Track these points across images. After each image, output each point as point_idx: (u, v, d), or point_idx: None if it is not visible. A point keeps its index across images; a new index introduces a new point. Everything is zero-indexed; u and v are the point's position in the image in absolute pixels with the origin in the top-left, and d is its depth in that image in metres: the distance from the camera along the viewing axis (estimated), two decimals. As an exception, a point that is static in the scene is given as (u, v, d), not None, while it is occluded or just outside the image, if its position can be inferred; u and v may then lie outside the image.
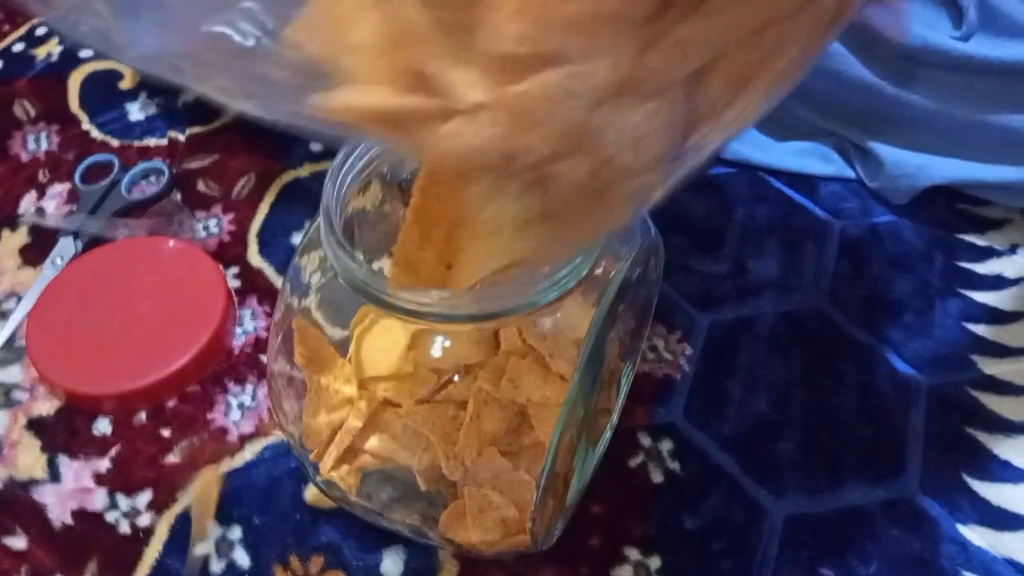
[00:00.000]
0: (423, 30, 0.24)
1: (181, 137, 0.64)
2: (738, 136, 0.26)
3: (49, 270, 0.56)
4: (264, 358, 0.52)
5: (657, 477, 0.47)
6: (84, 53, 0.71)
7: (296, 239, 0.58)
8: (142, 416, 0.50)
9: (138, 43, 0.62)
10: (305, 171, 0.62)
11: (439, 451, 0.39)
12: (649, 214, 0.43)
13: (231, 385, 0.51)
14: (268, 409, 0.50)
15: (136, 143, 0.64)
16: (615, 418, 0.48)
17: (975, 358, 0.52)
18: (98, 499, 0.47)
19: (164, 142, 0.64)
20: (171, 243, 0.56)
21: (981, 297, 0.54)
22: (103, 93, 0.68)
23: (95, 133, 0.65)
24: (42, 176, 0.62)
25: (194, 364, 0.51)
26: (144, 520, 0.46)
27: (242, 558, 0.45)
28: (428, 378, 0.40)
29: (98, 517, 0.46)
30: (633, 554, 0.45)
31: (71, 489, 0.48)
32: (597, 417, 0.46)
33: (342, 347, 0.41)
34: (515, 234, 0.28)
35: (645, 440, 0.49)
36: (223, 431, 0.49)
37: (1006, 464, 0.48)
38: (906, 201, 0.58)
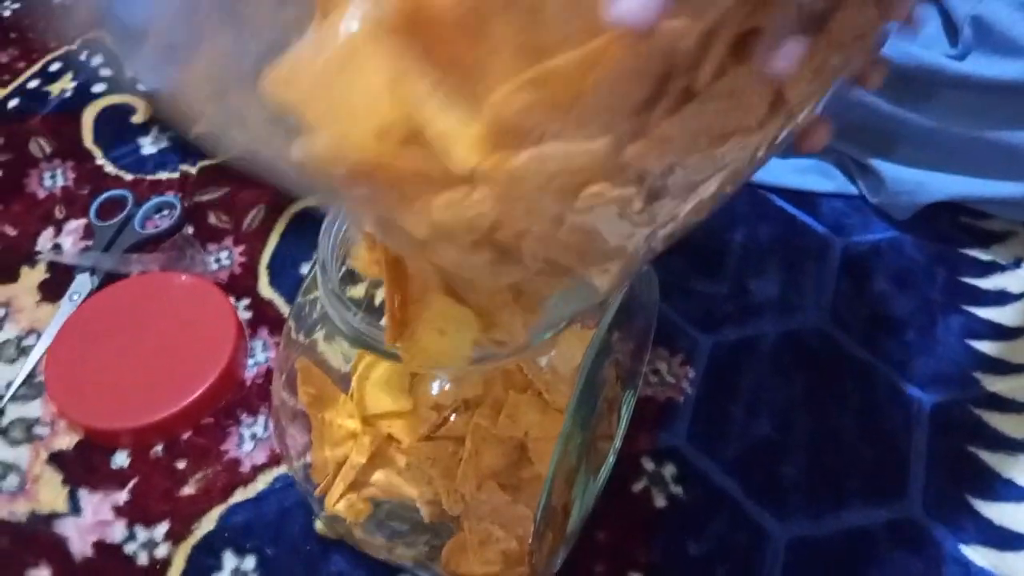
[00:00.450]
0: (426, 91, 0.24)
1: (192, 170, 0.66)
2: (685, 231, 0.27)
3: (66, 306, 0.58)
4: (275, 389, 0.53)
5: (660, 502, 0.48)
6: (97, 88, 0.72)
7: (305, 269, 0.59)
8: (158, 449, 0.52)
9: (141, 78, 0.63)
10: (314, 202, 0.63)
11: (440, 486, 0.40)
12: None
13: (243, 416, 0.52)
14: (279, 440, 0.51)
15: (149, 177, 0.66)
16: (617, 443, 0.48)
17: (978, 375, 0.52)
18: (117, 531, 0.49)
19: (176, 175, 0.65)
20: (183, 278, 0.57)
21: (984, 313, 0.54)
22: (116, 127, 0.69)
23: (109, 168, 0.66)
24: (58, 212, 0.64)
25: (207, 397, 0.52)
26: (162, 551, 0.48)
27: (255, 588, 0.46)
28: (428, 415, 0.41)
29: (117, 549, 0.48)
30: (637, 580, 0.45)
31: (91, 522, 0.49)
32: (598, 445, 0.46)
33: (345, 382, 0.42)
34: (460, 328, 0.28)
35: (648, 465, 0.49)
36: (236, 462, 0.51)
37: (1009, 483, 0.48)
38: (908, 217, 0.58)
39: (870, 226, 0.59)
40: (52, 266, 0.61)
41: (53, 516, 0.49)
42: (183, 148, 0.67)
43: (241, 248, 0.60)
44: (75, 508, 0.50)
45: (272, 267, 0.60)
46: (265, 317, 0.57)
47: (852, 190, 0.60)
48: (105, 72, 0.74)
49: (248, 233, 0.61)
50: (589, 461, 0.45)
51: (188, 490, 0.50)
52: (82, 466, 0.51)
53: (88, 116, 0.70)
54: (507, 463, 0.40)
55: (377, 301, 0.52)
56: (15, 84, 0.73)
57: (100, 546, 0.48)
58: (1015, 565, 0.45)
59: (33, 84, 0.73)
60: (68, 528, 0.49)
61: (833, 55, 0.25)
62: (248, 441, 0.51)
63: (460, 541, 0.40)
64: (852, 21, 0.25)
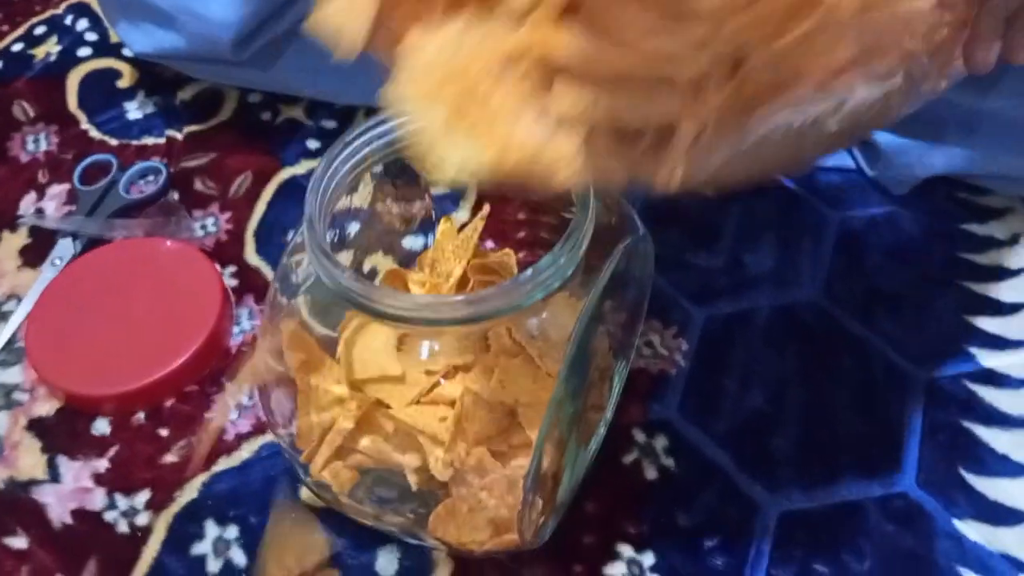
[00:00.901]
0: None
1: (179, 136, 0.64)
2: None
3: (48, 271, 0.56)
4: (261, 357, 0.52)
5: (651, 474, 0.47)
6: (83, 52, 0.71)
7: (293, 237, 0.58)
8: (141, 416, 0.51)
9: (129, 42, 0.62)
10: (302, 168, 0.62)
11: (428, 451, 0.39)
12: (643, 206, 0.43)
13: (228, 384, 0.51)
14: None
15: (134, 142, 0.64)
16: (609, 415, 0.48)
17: (974, 351, 0.51)
18: (97, 499, 0.48)
19: (162, 141, 0.64)
20: (168, 243, 0.56)
21: (981, 289, 0.54)
22: (101, 92, 0.68)
23: (93, 133, 0.65)
24: (41, 177, 0.63)
25: (192, 364, 0.51)
26: (142, 519, 0.47)
27: (239, 557, 0.45)
28: (417, 380, 0.40)
29: (97, 517, 0.47)
30: (626, 551, 0.45)
31: (71, 489, 0.48)
32: (589, 414, 0.46)
33: (331, 346, 0.41)
34: None
35: (640, 437, 0.49)
36: (220, 430, 0.50)
37: (1004, 458, 0.47)
38: (906, 191, 0.57)
39: (867, 201, 0.58)
40: (34, 231, 0.60)
41: (32, 483, 0.48)
42: (169, 113, 0.66)
43: (227, 215, 0.59)
44: (54, 475, 0.49)
45: (259, 234, 0.58)
46: (251, 285, 0.56)
47: (849, 163, 0.59)
48: (91, 37, 0.72)
49: (235, 200, 0.60)
50: (580, 431, 0.44)
51: (170, 458, 0.49)
52: (62, 433, 0.50)
53: (73, 80, 0.69)
54: (497, 429, 0.39)
55: (366, 268, 0.51)
56: (-2, 47, 0.72)
57: (79, 514, 0.47)
58: (1007, 539, 0.44)
59: (17, 47, 0.72)
60: (47, 495, 0.48)
61: None
62: (232, 409, 0.50)
63: (448, 508, 0.39)
64: None
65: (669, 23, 0.24)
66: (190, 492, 0.48)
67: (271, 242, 0.58)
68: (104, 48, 0.71)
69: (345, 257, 0.48)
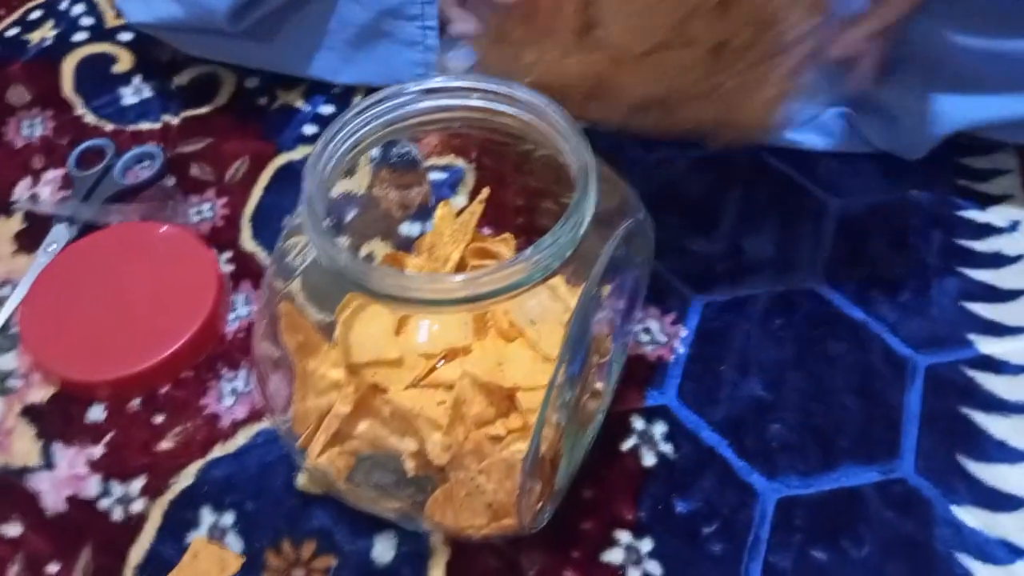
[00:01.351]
0: None
1: (175, 121, 0.64)
2: None
3: (43, 257, 0.56)
4: (257, 343, 0.52)
5: (649, 460, 0.47)
6: (78, 37, 0.70)
7: (289, 223, 0.57)
8: (136, 403, 0.50)
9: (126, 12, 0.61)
10: (299, 154, 0.61)
11: (426, 435, 0.39)
12: (642, 191, 0.42)
13: (224, 370, 0.51)
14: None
15: (130, 127, 0.64)
16: (607, 401, 0.47)
17: (972, 337, 0.51)
18: (92, 486, 0.47)
19: (158, 126, 0.64)
20: (164, 228, 0.56)
21: (980, 275, 0.54)
22: (97, 77, 0.67)
23: (89, 118, 0.65)
24: (36, 162, 0.62)
25: (187, 350, 0.51)
26: (137, 506, 0.46)
27: (235, 544, 0.45)
28: (415, 363, 0.40)
29: (92, 504, 0.47)
30: (624, 537, 0.44)
31: (65, 476, 0.48)
32: (587, 400, 0.45)
33: (326, 331, 0.41)
34: None
35: (638, 423, 0.48)
36: (216, 417, 0.49)
37: (1002, 444, 0.47)
38: (923, 155, 0.55)
39: (867, 188, 0.58)
40: (29, 216, 0.59)
41: (26, 470, 0.48)
42: (165, 98, 0.65)
43: (224, 200, 0.59)
44: (48, 462, 0.48)
45: (255, 220, 0.58)
46: (248, 270, 0.56)
47: (853, 147, 0.58)
48: (86, 21, 0.71)
49: (231, 185, 0.60)
50: (578, 417, 0.44)
51: (166, 444, 0.49)
52: (57, 419, 0.50)
53: (68, 65, 0.68)
54: (496, 413, 0.39)
55: (363, 254, 0.51)
56: (-8, 32, 0.71)
57: (74, 501, 0.47)
58: (1006, 525, 0.44)
59: (12, 32, 0.71)
60: (41, 482, 0.48)
61: None
62: (228, 396, 0.50)
63: (445, 492, 0.39)
64: None
65: None
66: (186, 479, 0.47)
67: (267, 228, 0.58)
68: (100, 33, 0.71)
69: (342, 243, 0.47)
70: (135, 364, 0.50)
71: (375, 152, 0.49)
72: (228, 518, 0.46)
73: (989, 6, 0.49)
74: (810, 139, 0.59)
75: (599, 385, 0.47)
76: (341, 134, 0.38)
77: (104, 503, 0.47)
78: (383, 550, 0.44)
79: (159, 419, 0.50)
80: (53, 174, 0.61)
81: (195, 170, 0.61)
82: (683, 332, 0.52)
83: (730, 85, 0.49)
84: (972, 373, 0.49)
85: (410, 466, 0.40)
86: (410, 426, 0.39)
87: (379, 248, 0.51)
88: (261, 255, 0.56)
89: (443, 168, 0.58)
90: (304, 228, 0.36)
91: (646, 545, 0.44)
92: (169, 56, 0.68)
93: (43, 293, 0.53)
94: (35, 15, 0.72)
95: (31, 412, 0.50)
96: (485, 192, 0.47)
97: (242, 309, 0.54)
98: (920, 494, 0.45)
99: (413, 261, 0.47)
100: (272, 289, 0.41)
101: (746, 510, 0.45)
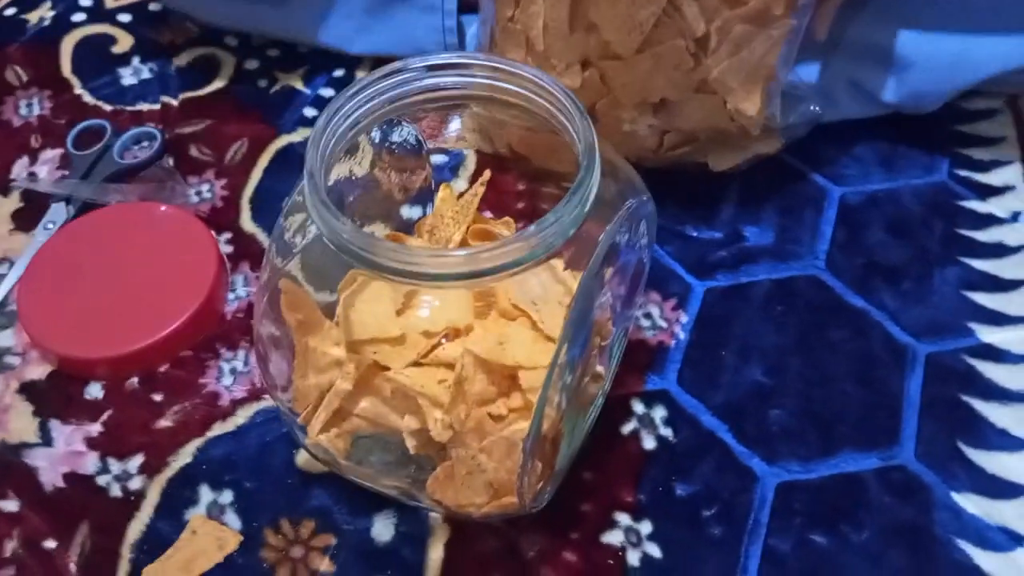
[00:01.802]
0: None
1: (174, 102, 0.64)
2: None
3: (41, 235, 0.56)
4: (256, 324, 0.52)
5: (649, 444, 0.47)
6: (77, 17, 0.70)
7: (289, 205, 0.57)
8: (134, 381, 0.50)
9: None
10: (299, 136, 0.61)
11: (427, 413, 0.38)
12: (643, 178, 0.42)
13: (223, 350, 0.51)
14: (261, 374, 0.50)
15: (129, 108, 0.64)
16: (607, 385, 0.47)
17: (973, 326, 0.51)
18: (90, 463, 0.47)
19: (157, 107, 0.63)
20: (163, 208, 0.56)
21: (981, 265, 0.54)
22: (96, 58, 0.67)
23: (87, 98, 0.64)
24: (34, 141, 0.62)
25: (186, 329, 0.51)
26: (135, 484, 0.46)
27: (233, 522, 0.45)
28: (417, 341, 0.40)
29: (89, 480, 0.46)
30: (624, 520, 0.44)
31: (63, 453, 0.47)
32: (588, 383, 0.45)
33: (326, 310, 0.41)
34: None
35: (638, 407, 0.48)
36: (215, 396, 0.49)
37: (1003, 432, 0.47)
38: (939, 106, 0.53)
39: (868, 176, 0.58)
40: (27, 195, 0.59)
41: (23, 446, 0.48)
42: (165, 79, 0.65)
43: (223, 181, 0.59)
44: (46, 439, 0.48)
45: (255, 201, 0.58)
46: (247, 251, 0.55)
47: (851, 112, 0.57)
48: (85, 2, 0.71)
49: (231, 166, 0.59)
50: (579, 399, 0.44)
51: (164, 423, 0.48)
52: (54, 397, 0.50)
53: (67, 45, 0.68)
54: (497, 392, 0.39)
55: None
56: (-9, 11, 0.71)
57: (71, 477, 0.47)
58: (1006, 512, 0.44)
59: (10, 12, 0.71)
60: (38, 459, 0.47)
61: None
62: (228, 375, 0.50)
63: (447, 471, 0.39)
64: None
65: None
66: (184, 457, 0.47)
67: (267, 209, 0.57)
68: (99, 14, 0.70)
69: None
70: (133, 343, 0.50)
71: (376, 134, 0.49)
72: (227, 496, 0.45)
73: None
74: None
75: (600, 368, 0.46)
76: (343, 110, 0.38)
77: (102, 480, 0.46)
78: (382, 529, 0.44)
79: (158, 398, 0.49)
80: (51, 153, 0.61)
81: (194, 151, 0.60)
82: (684, 317, 0.52)
83: (717, 74, 0.49)
84: (973, 361, 0.49)
85: (411, 444, 0.40)
86: (411, 404, 0.39)
87: (380, 230, 0.51)
88: (261, 236, 0.56)
89: (445, 151, 0.58)
90: (306, 203, 0.36)
91: (646, 527, 0.44)
92: (169, 38, 0.68)
93: (41, 271, 0.53)
94: (34, -5, 0.72)
95: (29, 389, 0.50)
96: (487, 175, 0.46)
97: (241, 290, 0.54)
98: (920, 480, 0.45)
99: (414, 243, 0.47)
100: (272, 266, 0.41)
101: (746, 494, 0.45)
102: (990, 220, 0.56)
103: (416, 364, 0.39)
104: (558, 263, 0.42)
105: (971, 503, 0.45)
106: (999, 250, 0.54)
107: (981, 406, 0.48)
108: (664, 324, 0.52)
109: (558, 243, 0.35)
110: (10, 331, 0.52)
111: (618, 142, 0.54)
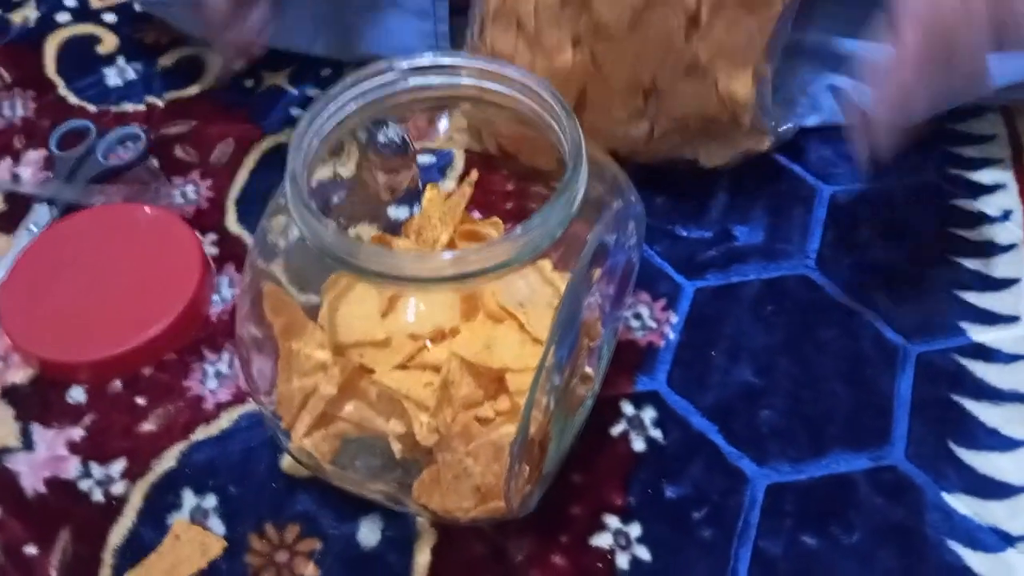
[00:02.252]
0: None
1: (159, 102, 0.63)
2: None
3: (24, 237, 0.55)
4: (241, 326, 0.51)
5: (639, 445, 0.47)
6: (61, 18, 0.69)
7: (275, 206, 0.57)
8: (117, 385, 0.49)
9: None
10: (285, 137, 0.61)
11: (413, 417, 0.38)
12: (632, 177, 0.42)
13: (208, 353, 0.50)
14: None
15: (113, 108, 0.63)
16: (597, 386, 0.47)
17: (965, 325, 0.51)
18: (71, 468, 0.46)
19: (142, 107, 0.63)
20: (147, 210, 0.55)
21: (972, 264, 0.53)
22: (80, 58, 0.66)
23: (72, 99, 0.64)
24: (17, 142, 0.61)
25: (170, 332, 0.50)
26: (118, 488, 0.46)
27: (217, 527, 0.44)
28: (402, 344, 0.39)
29: (71, 486, 0.46)
30: (613, 522, 0.44)
31: (44, 458, 0.47)
32: (577, 385, 0.45)
33: (310, 313, 0.40)
34: None
35: (627, 408, 0.48)
36: (199, 399, 0.49)
37: (993, 432, 0.47)
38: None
39: (858, 175, 0.57)
40: (9, 197, 0.58)
41: (4, 451, 0.47)
42: (150, 80, 0.64)
43: (208, 183, 0.58)
44: (27, 443, 0.47)
45: (240, 203, 0.57)
46: (232, 253, 0.55)
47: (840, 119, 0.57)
48: (70, 2, 0.70)
49: (216, 168, 0.59)
50: (567, 401, 0.44)
51: (147, 427, 0.48)
52: (36, 401, 0.49)
53: (51, 46, 0.67)
54: (484, 395, 0.38)
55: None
56: (-27, 11, 0.70)
57: (53, 482, 0.46)
58: (997, 513, 0.44)
59: (-7, 12, 0.70)
60: (19, 463, 0.47)
61: None
62: (212, 378, 0.49)
63: (432, 475, 0.39)
64: None
65: None
66: (167, 461, 0.46)
67: (253, 211, 0.57)
68: (84, 14, 0.69)
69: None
70: (117, 346, 0.49)
71: (362, 135, 0.48)
72: (211, 501, 0.45)
73: None
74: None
75: (588, 370, 0.46)
76: (326, 110, 0.38)
77: (84, 485, 0.46)
78: (368, 534, 0.44)
79: (141, 401, 0.49)
80: (34, 155, 0.60)
81: (179, 152, 0.60)
82: (673, 318, 0.51)
83: (708, 56, 0.49)
84: (964, 361, 0.49)
85: (397, 448, 0.39)
86: (397, 408, 0.39)
87: (366, 232, 0.51)
88: (246, 238, 0.56)
89: (432, 152, 0.58)
90: (288, 206, 0.36)
91: (635, 530, 0.44)
92: (154, 38, 0.67)
93: (23, 274, 0.52)
94: (18, -5, 0.71)
95: (10, 393, 0.49)
96: (474, 175, 0.46)
97: (226, 292, 0.53)
98: (911, 481, 0.45)
99: (401, 243, 0.47)
100: (255, 268, 0.41)
101: (736, 496, 0.45)
102: (981, 219, 0.55)
103: (402, 367, 0.39)
104: (546, 264, 0.41)
105: (962, 503, 0.45)
106: (990, 249, 0.54)
107: (972, 406, 0.48)
108: (654, 324, 0.51)
109: (545, 244, 0.35)
110: (-8, 335, 0.52)
111: (608, 131, 0.53)
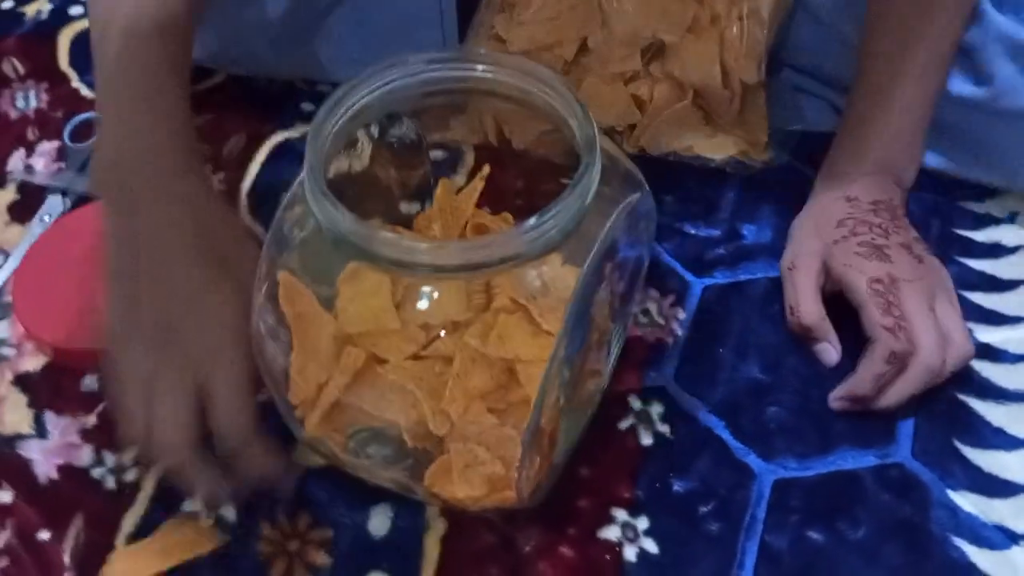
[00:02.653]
0: None
1: (172, 96, 0.63)
2: None
3: (37, 227, 0.56)
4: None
5: (647, 440, 0.47)
6: (75, 11, 0.70)
7: (287, 199, 0.57)
8: (130, 374, 0.50)
9: None
10: (297, 132, 0.61)
11: (426, 407, 0.38)
12: (643, 176, 0.42)
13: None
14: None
15: (126, 101, 0.63)
16: (605, 381, 0.47)
17: (971, 325, 0.51)
18: (84, 455, 0.47)
19: (155, 101, 0.63)
20: (160, 201, 0.55)
21: (978, 265, 0.54)
22: (94, 51, 0.67)
23: (85, 91, 0.64)
24: (31, 134, 0.62)
25: (182, 322, 0.50)
26: (131, 476, 0.46)
27: (229, 514, 0.44)
28: (416, 334, 0.40)
29: (84, 473, 0.46)
30: (621, 515, 0.44)
31: (57, 445, 0.47)
32: (586, 379, 0.45)
33: (324, 303, 0.40)
34: None
35: (635, 403, 0.48)
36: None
37: (999, 431, 0.47)
38: None
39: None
40: (23, 187, 0.59)
41: (17, 438, 0.48)
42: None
43: (221, 175, 0.58)
44: (40, 431, 0.48)
45: (253, 196, 0.58)
46: (245, 245, 0.55)
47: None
48: (83, -4, 0.71)
49: (229, 160, 0.59)
50: (576, 395, 0.44)
51: (160, 416, 0.48)
52: (49, 389, 0.50)
53: (64, 38, 0.68)
54: (495, 385, 0.39)
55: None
56: (-12, 4, 0.71)
57: (66, 469, 0.46)
58: (1002, 511, 0.44)
59: (8, 5, 0.71)
60: (32, 451, 0.47)
61: None
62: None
63: (444, 463, 0.39)
64: None
65: None
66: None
67: (265, 204, 0.57)
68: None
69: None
70: (129, 335, 0.49)
71: (375, 129, 0.49)
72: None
73: None
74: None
75: (597, 364, 0.46)
76: (344, 103, 0.38)
77: (97, 472, 0.46)
78: (379, 523, 0.44)
79: (153, 391, 0.49)
80: (48, 146, 0.61)
81: (192, 145, 0.60)
82: (682, 314, 0.52)
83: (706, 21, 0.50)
84: (970, 361, 0.49)
85: (409, 437, 0.40)
86: (409, 397, 0.39)
87: (379, 226, 0.51)
88: (258, 230, 0.56)
89: (444, 146, 0.58)
90: (305, 195, 0.36)
91: (643, 523, 0.44)
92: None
93: (37, 263, 0.53)
94: (32, -12, 0.72)
95: (23, 381, 0.50)
96: (485, 169, 0.46)
97: (238, 283, 0.53)
98: (917, 478, 0.46)
99: (413, 236, 0.47)
100: (271, 259, 0.41)
101: (743, 491, 0.45)
102: (987, 220, 0.56)
103: (415, 357, 0.39)
104: (557, 258, 0.42)
105: (967, 501, 0.45)
106: (996, 250, 0.54)
107: (978, 405, 0.48)
108: (662, 321, 0.52)
109: (557, 238, 0.35)
110: (5, 323, 0.52)
111: (605, 95, 0.54)
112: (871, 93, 0.51)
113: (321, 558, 0.43)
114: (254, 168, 0.59)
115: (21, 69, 0.66)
